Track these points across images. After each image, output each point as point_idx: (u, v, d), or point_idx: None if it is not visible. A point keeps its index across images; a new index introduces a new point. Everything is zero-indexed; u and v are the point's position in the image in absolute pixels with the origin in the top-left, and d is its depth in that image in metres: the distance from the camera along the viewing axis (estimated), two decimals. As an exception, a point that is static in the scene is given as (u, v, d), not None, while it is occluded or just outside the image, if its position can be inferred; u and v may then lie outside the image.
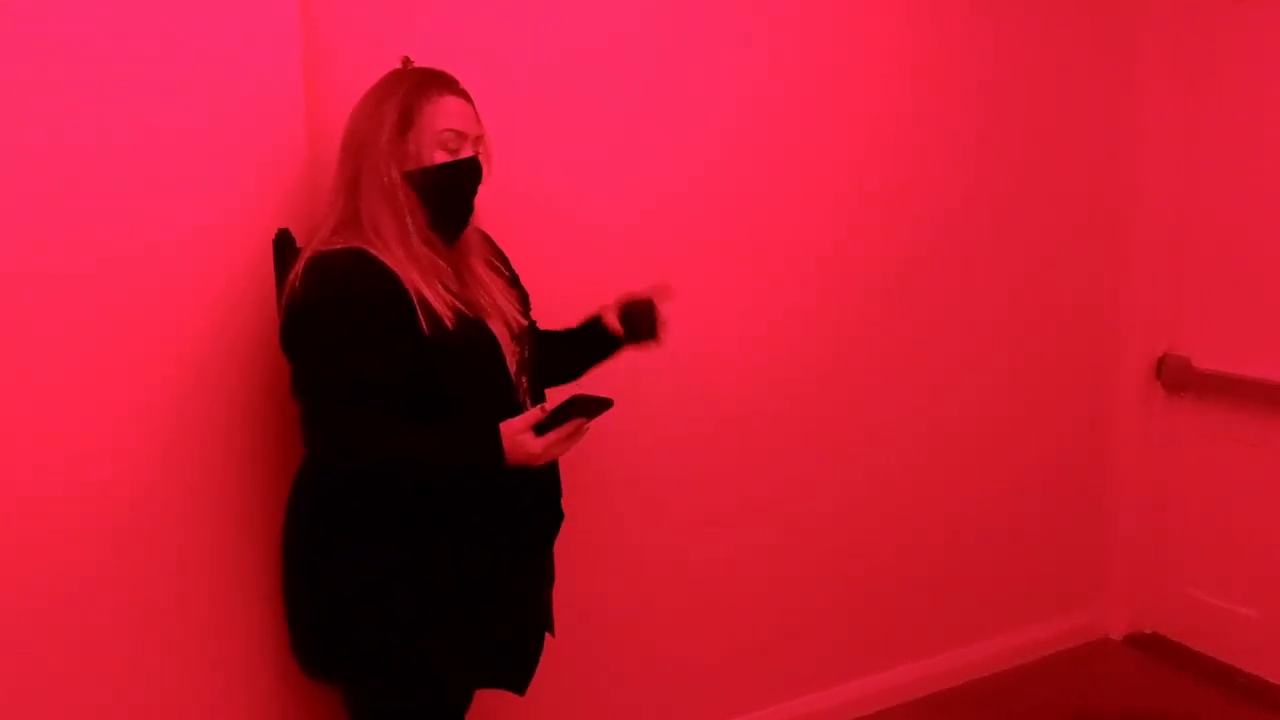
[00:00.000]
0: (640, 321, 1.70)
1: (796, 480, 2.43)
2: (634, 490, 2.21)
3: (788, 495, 2.43)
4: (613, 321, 1.71)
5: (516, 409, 1.47)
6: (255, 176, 1.61)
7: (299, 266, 1.44)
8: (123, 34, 1.47)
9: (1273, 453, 2.70)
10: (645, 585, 2.26)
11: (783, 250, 2.32)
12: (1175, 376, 2.90)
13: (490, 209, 1.67)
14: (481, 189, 1.57)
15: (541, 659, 1.67)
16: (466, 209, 1.56)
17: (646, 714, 2.33)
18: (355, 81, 1.55)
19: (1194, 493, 2.91)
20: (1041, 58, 2.64)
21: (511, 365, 1.56)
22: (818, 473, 2.46)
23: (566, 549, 1.73)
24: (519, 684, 1.63)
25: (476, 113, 1.54)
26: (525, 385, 1.60)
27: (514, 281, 1.69)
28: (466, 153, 1.51)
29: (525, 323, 1.63)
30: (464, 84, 1.54)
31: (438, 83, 1.50)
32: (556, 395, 1.76)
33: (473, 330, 1.50)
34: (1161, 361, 2.93)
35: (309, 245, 1.49)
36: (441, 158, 1.49)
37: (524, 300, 1.69)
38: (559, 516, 1.70)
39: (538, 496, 1.61)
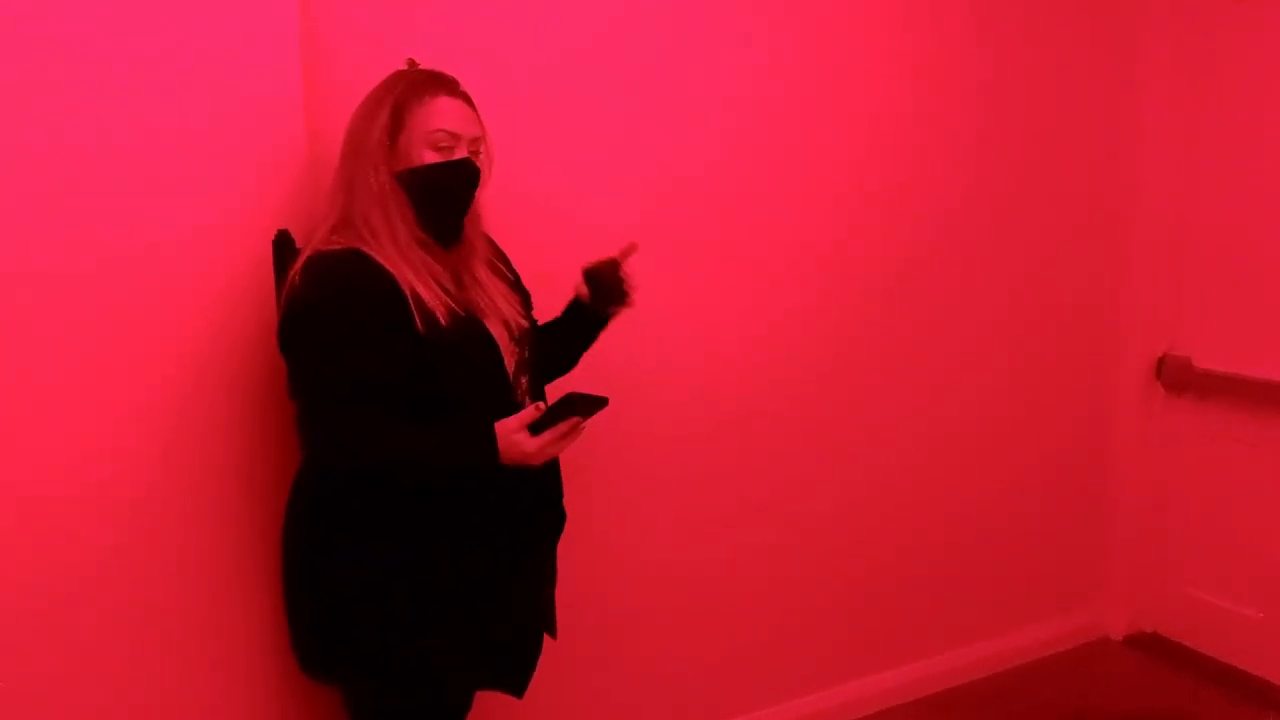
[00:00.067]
0: (604, 283, 1.68)
1: (796, 480, 2.44)
2: (634, 490, 2.21)
3: (788, 495, 2.43)
4: (580, 288, 1.70)
5: (515, 409, 1.46)
6: (255, 177, 1.61)
7: (297, 265, 1.45)
8: (122, 34, 1.47)
9: (1273, 453, 2.70)
10: (645, 585, 2.26)
11: (783, 250, 2.32)
12: (1175, 376, 2.90)
13: (490, 209, 1.67)
14: (482, 190, 1.57)
15: (541, 659, 1.67)
16: (458, 210, 1.55)
17: (646, 714, 2.33)
18: (355, 81, 1.55)
19: (1194, 493, 2.91)
20: (1041, 58, 2.64)
21: (510, 365, 1.56)
22: (818, 473, 2.46)
23: (566, 549, 1.73)
24: (518, 686, 1.63)
25: (476, 115, 1.54)
26: (525, 385, 1.60)
27: (516, 285, 1.69)
28: (459, 154, 1.50)
29: (526, 324, 1.63)
30: (465, 84, 1.54)
31: (433, 83, 1.49)
32: (557, 389, 1.76)
33: (469, 329, 1.50)
34: (1161, 361, 2.93)
35: (308, 245, 1.49)
36: (431, 158, 1.48)
37: (526, 302, 1.69)
38: (560, 517, 1.70)
39: (538, 496, 1.61)
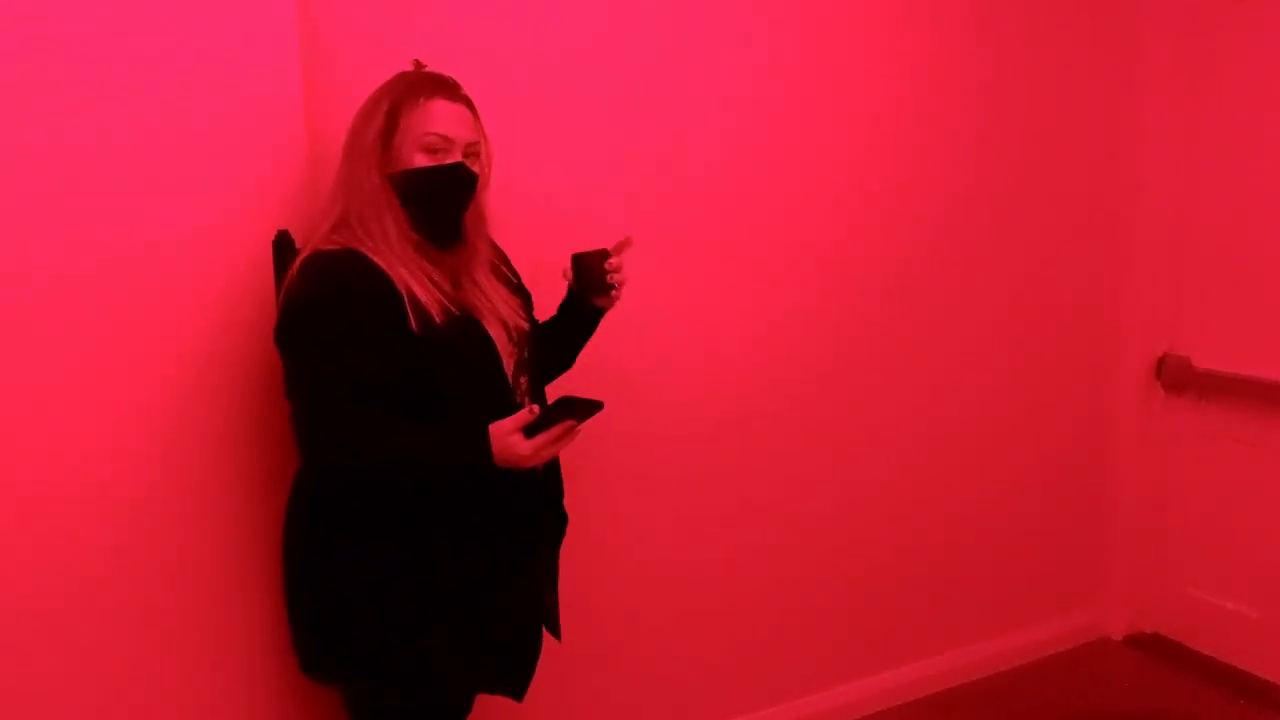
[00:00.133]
0: (589, 270, 1.65)
1: (796, 480, 2.43)
2: (634, 490, 2.21)
3: (788, 495, 2.43)
4: (567, 273, 1.69)
5: (515, 409, 1.46)
6: (255, 177, 1.61)
7: (295, 264, 1.45)
8: (122, 34, 1.47)
9: (1273, 453, 2.70)
10: (645, 585, 2.26)
11: (783, 250, 2.32)
12: (1175, 376, 2.90)
13: (491, 210, 1.66)
14: (483, 194, 1.57)
15: (541, 659, 1.67)
16: (448, 214, 1.53)
17: (646, 714, 2.33)
18: (355, 82, 1.55)
19: (1194, 493, 2.91)
20: (1041, 58, 2.64)
21: (508, 365, 1.56)
22: (818, 473, 2.46)
23: (566, 548, 1.73)
24: (518, 689, 1.62)
25: (475, 120, 1.53)
26: (525, 385, 1.59)
27: (519, 288, 1.69)
28: (452, 159, 1.49)
29: (526, 326, 1.62)
30: (465, 84, 1.53)
31: (430, 86, 1.49)
32: (558, 389, 1.76)
33: (466, 328, 1.50)
34: (1161, 361, 2.93)
35: (308, 244, 1.49)
36: (422, 161, 1.47)
37: (527, 304, 1.68)
38: (562, 517, 1.70)
39: (538, 496, 1.61)
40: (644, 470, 2.21)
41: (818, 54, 2.29)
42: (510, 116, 1.89)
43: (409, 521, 1.48)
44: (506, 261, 1.70)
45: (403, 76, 1.51)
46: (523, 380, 1.59)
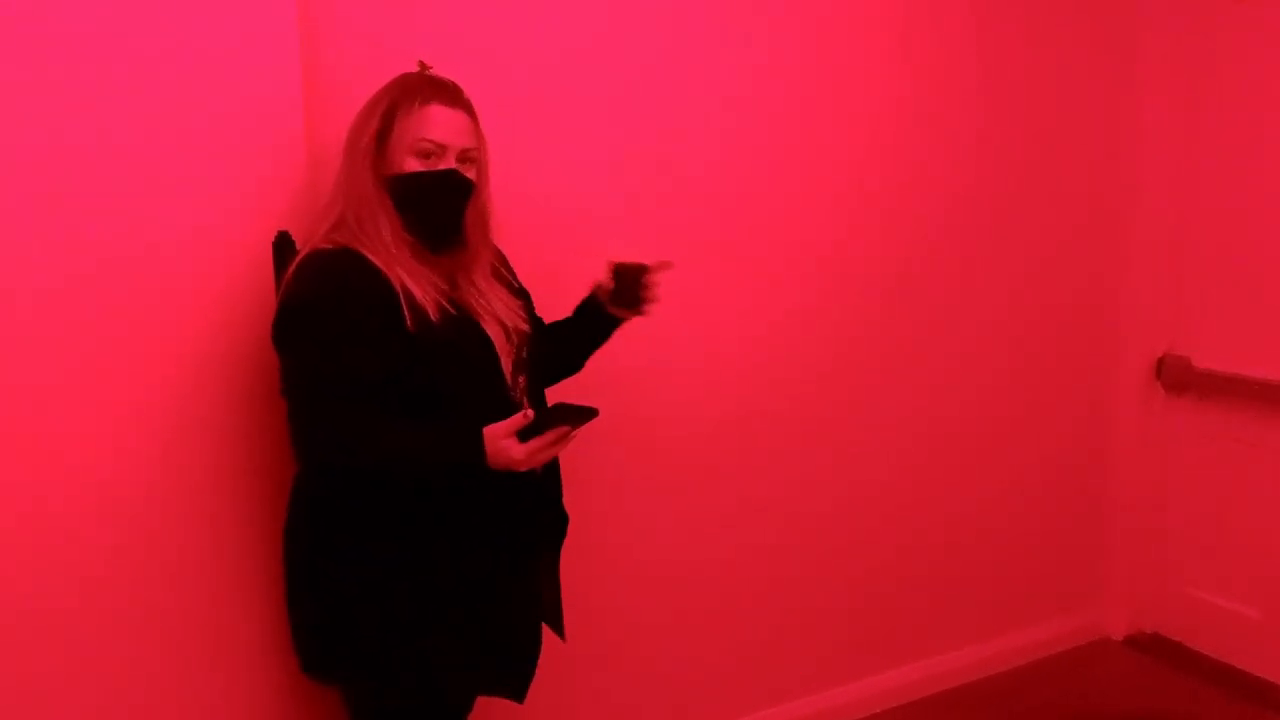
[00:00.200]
0: (629, 282, 1.66)
1: (796, 480, 2.44)
2: (634, 490, 2.21)
3: (788, 495, 2.43)
4: (605, 278, 1.68)
5: (514, 408, 1.46)
6: (255, 177, 1.61)
7: (294, 263, 1.45)
8: (122, 34, 1.47)
9: (1273, 453, 2.70)
10: (645, 585, 2.26)
11: (783, 250, 2.32)
12: (1175, 376, 2.90)
13: (495, 213, 1.66)
14: (482, 199, 1.56)
15: (542, 659, 1.67)
16: (440, 219, 1.52)
17: (646, 714, 2.33)
18: (355, 82, 1.55)
19: (1194, 493, 2.91)
20: (1041, 58, 2.64)
21: (506, 365, 1.55)
22: (818, 473, 2.46)
23: (566, 548, 1.73)
24: (518, 690, 1.62)
25: (473, 125, 1.52)
26: (523, 385, 1.59)
27: (520, 291, 1.68)
28: (445, 164, 1.48)
29: (526, 328, 1.61)
30: (465, 84, 1.53)
31: (428, 90, 1.48)
32: (561, 394, 1.76)
33: (463, 327, 1.50)
34: (1161, 361, 2.93)
35: (306, 244, 1.49)
36: (414, 166, 1.47)
37: (527, 305, 1.68)
38: (562, 518, 1.70)
39: (538, 496, 1.61)
40: (644, 470, 2.21)
41: (818, 54, 2.29)
42: (510, 117, 1.89)
43: (409, 521, 1.48)
44: (505, 263, 1.70)
45: (402, 79, 1.51)
46: (521, 380, 1.59)
